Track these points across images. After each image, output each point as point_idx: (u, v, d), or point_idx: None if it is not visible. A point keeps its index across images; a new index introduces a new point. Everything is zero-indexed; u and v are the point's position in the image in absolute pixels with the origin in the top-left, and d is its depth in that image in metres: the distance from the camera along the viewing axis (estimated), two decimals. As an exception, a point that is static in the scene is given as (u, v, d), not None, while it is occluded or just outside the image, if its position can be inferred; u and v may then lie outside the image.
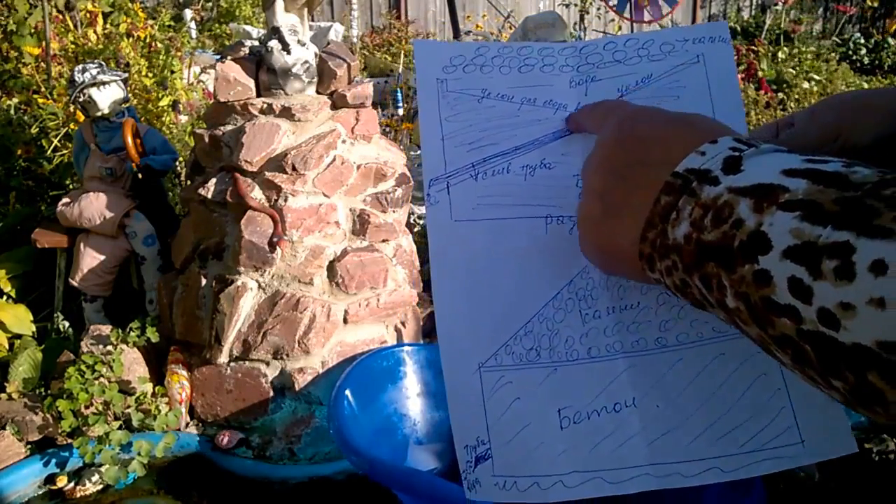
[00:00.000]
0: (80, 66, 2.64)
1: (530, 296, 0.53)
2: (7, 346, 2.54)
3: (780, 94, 5.33)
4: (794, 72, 5.76)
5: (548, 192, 0.54)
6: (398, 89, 4.61)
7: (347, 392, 1.87)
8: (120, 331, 2.39)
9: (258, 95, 2.43)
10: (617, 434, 0.50)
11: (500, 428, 0.51)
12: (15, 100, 3.49)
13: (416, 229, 3.08)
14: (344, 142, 2.46)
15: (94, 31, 3.76)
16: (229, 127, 2.42)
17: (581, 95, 0.56)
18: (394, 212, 2.55)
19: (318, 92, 2.49)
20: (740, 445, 0.49)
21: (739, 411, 0.49)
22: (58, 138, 3.25)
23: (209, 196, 2.37)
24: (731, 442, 0.49)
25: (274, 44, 2.37)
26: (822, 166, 0.33)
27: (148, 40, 3.74)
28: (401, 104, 4.59)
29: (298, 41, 2.40)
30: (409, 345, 2.29)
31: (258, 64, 2.43)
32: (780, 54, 6.25)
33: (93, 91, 2.62)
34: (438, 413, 2.02)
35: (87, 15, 3.94)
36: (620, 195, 0.42)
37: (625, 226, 0.41)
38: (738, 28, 8.45)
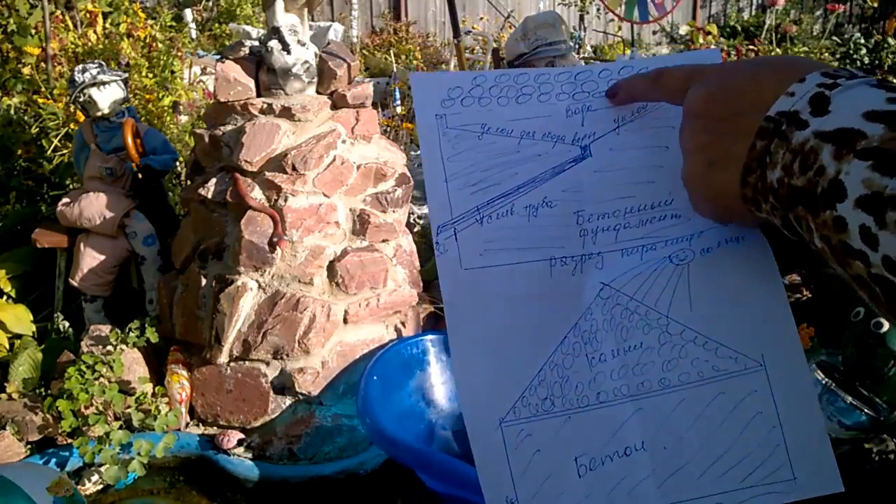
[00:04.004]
0: (80, 66, 2.64)
1: (541, 343, 0.53)
2: (7, 346, 2.54)
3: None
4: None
5: (551, 233, 0.54)
6: (396, 88, 4.60)
7: (376, 377, 1.93)
8: (120, 331, 2.39)
9: (258, 95, 2.43)
10: (629, 478, 0.52)
11: (525, 483, 0.51)
12: (15, 100, 3.49)
13: (416, 229, 3.08)
14: (344, 142, 2.46)
15: (94, 31, 3.76)
16: (229, 127, 2.42)
17: (578, 126, 0.56)
18: (394, 212, 2.55)
19: (318, 92, 2.49)
20: (740, 481, 0.51)
21: (739, 449, 0.51)
22: (58, 138, 3.25)
23: (209, 196, 2.37)
24: (731, 478, 0.51)
25: (274, 44, 2.37)
26: None
27: (148, 40, 3.74)
28: (398, 102, 4.58)
29: (298, 41, 2.40)
30: (434, 333, 2.32)
31: (258, 64, 2.43)
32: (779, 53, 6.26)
33: (93, 91, 2.62)
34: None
35: (87, 15, 3.94)
36: (722, 147, 0.43)
37: (730, 174, 0.42)
38: (739, 28, 8.44)
